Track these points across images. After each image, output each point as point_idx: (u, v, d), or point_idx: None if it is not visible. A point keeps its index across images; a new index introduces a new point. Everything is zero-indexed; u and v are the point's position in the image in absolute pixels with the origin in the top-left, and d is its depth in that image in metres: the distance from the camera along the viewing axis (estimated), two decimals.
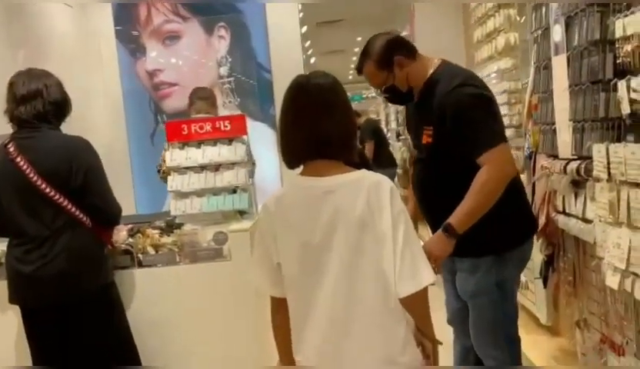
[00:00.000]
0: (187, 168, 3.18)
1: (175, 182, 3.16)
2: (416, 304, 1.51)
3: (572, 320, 2.69)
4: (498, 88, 3.70)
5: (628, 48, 1.96)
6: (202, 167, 3.17)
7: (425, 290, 1.49)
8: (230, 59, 5.32)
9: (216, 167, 3.18)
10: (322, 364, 1.51)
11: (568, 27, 2.35)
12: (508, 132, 3.55)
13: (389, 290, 1.47)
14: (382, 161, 6.95)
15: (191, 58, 5.42)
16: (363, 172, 1.55)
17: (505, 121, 3.57)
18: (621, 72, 2.02)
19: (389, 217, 1.47)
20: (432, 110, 2.06)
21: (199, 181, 3.14)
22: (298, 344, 1.56)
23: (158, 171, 3.66)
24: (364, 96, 18.34)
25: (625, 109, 1.95)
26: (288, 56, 5.24)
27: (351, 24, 9.67)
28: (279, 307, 1.61)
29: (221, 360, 2.83)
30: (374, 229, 1.48)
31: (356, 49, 13.20)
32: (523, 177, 3.29)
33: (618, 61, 2.04)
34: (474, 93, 2.00)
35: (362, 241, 1.48)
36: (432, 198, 2.18)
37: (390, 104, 12.27)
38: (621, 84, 1.97)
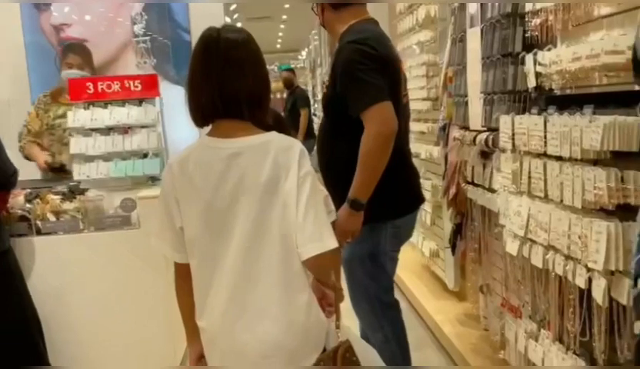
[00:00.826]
0: (92, 130, 2.97)
1: (78, 145, 2.94)
2: (320, 267, 1.49)
3: (477, 285, 2.82)
4: (417, 61, 3.74)
5: (537, 21, 2.01)
6: (110, 130, 2.98)
7: (330, 253, 1.45)
8: (146, 17, 4.99)
9: (125, 130, 3.00)
10: (226, 329, 1.47)
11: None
12: (426, 105, 3.62)
13: (293, 253, 1.44)
14: (310, 132, 6.94)
15: (102, 13, 5.04)
16: (272, 134, 1.49)
17: (423, 93, 3.63)
18: (530, 46, 2.08)
19: (295, 179, 1.43)
20: (332, 64, 2.13)
21: (106, 144, 2.94)
22: (202, 309, 1.50)
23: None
24: (292, 66, 18.17)
25: (531, 82, 2.02)
26: (208, 16, 5.01)
27: None
28: (182, 273, 1.54)
29: (129, 330, 2.74)
30: (280, 192, 1.43)
31: (284, 17, 12.95)
32: (437, 148, 3.38)
33: (527, 35, 2.10)
34: (362, 50, 1.99)
35: (268, 205, 1.44)
36: (324, 151, 2.21)
37: (318, 75, 12.21)
38: (529, 58, 2.03)
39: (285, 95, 8.24)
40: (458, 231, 2.92)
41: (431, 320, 3.29)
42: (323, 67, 10.06)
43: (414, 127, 3.75)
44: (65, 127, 3.13)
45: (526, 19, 2.07)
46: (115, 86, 3.00)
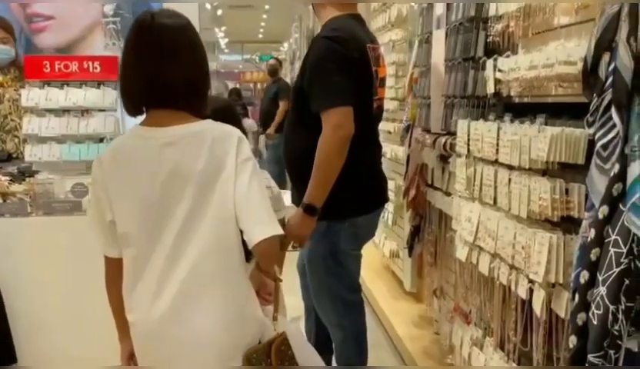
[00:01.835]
0: (46, 110, 2.86)
1: (31, 125, 2.83)
2: (269, 251, 1.42)
3: (431, 288, 2.82)
4: (387, 60, 3.69)
5: (499, 27, 2.00)
6: (65, 111, 2.88)
7: (278, 237, 1.41)
8: None
9: (82, 113, 2.90)
10: (156, 322, 1.40)
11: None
12: (393, 105, 3.60)
13: (231, 243, 1.40)
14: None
15: None
16: (208, 123, 1.43)
17: (391, 93, 3.61)
18: (492, 51, 2.06)
19: (233, 166, 1.37)
20: (305, 56, 2.12)
21: (60, 126, 2.84)
22: (131, 304, 1.45)
23: None
24: (274, 56, 18.07)
25: (490, 88, 2.00)
26: (183, 0, 4.89)
27: None
28: (114, 268, 1.48)
29: (76, 318, 2.66)
30: (218, 181, 1.38)
31: (267, 6, 12.81)
32: (402, 149, 3.36)
33: (489, 40, 2.08)
34: (333, 48, 1.96)
35: (204, 195, 1.38)
36: (289, 142, 2.20)
37: (296, 68, 12.14)
38: (489, 63, 2.01)
39: (264, 86, 8.14)
40: (416, 233, 2.91)
41: (387, 321, 3.28)
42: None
43: (381, 126, 3.73)
44: (7, 113, 3.00)
45: (489, 24, 2.05)
46: (74, 66, 2.90)
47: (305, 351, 1.55)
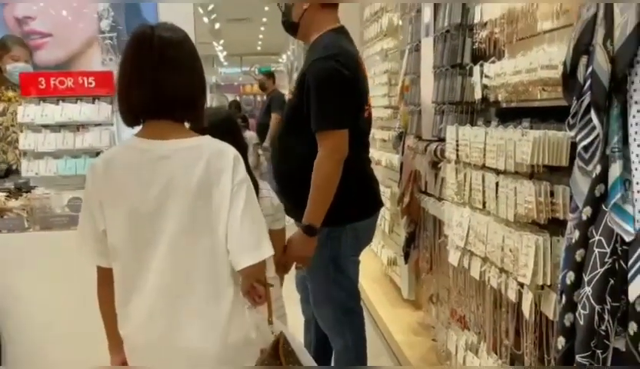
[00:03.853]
0: (43, 126, 2.90)
1: (27, 140, 2.86)
2: (253, 274, 1.46)
3: (428, 295, 2.82)
4: (380, 68, 3.74)
5: (484, 33, 2.02)
6: (61, 127, 2.91)
7: (261, 263, 1.44)
8: (112, 13, 4.90)
9: (77, 128, 2.93)
10: (149, 337, 1.43)
11: (436, 9, 2.39)
12: (387, 113, 3.62)
13: (223, 260, 1.41)
14: None
15: (68, 7, 4.93)
16: (204, 138, 1.45)
17: (385, 101, 3.64)
18: (479, 57, 2.09)
19: (229, 185, 1.39)
20: (300, 72, 2.11)
21: (56, 141, 2.87)
22: (124, 317, 1.46)
23: None
24: (272, 68, 18.15)
25: (477, 94, 2.03)
26: (178, 14, 4.94)
27: None
28: (105, 279, 1.50)
29: (73, 334, 2.66)
30: (212, 198, 1.40)
31: (264, 19, 12.90)
32: (396, 156, 3.38)
33: (475, 47, 2.10)
34: (331, 69, 1.98)
35: (198, 210, 1.40)
36: (282, 157, 2.21)
37: (294, 79, 12.19)
38: (476, 70, 2.04)
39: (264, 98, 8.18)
40: (411, 240, 2.92)
41: (386, 328, 3.27)
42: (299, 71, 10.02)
43: (376, 134, 3.75)
44: (8, 125, 3.04)
45: (474, 31, 2.08)
46: (69, 82, 2.93)
47: (300, 353, 1.58)
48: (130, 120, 1.46)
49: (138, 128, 1.48)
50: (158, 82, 1.40)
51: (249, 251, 1.40)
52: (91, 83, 2.93)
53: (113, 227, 1.43)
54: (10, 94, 3.20)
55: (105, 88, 2.94)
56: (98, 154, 2.94)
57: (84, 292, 2.60)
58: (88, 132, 2.90)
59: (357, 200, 2.14)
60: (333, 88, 1.96)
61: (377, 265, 4.10)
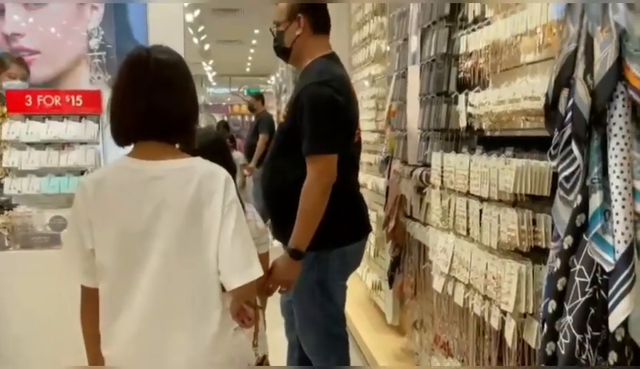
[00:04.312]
0: (28, 144, 2.87)
1: (11, 158, 2.84)
2: (244, 295, 1.46)
3: (412, 320, 2.81)
4: (368, 93, 3.79)
5: (469, 63, 2.07)
6: (46, 144, 2.89)
7: (251, 284, 1.43)
8: (102, 32, 4.91)
9: (62, 146, 2.91)
10: (134, 358, 1.41)
11: (422, 38, 2.44)
12: (374, 137, 3.65)
13: (212, 281, 1.41)
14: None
15: (57, 25, 4.93)
16: (196, 160, 1.46)
17: (372, 125, 3.67)
18: (464, 86, 2.13)
19: (220, 206, 1.40)
20: (293, 97, 2.13)
21: (40, 159, 2.85)
22: (110, 337, 1.44)
23: None
24: (262, 90, 18.25)
25: (462, 122, 2.06)
26: (168, 36, 4.96)
27: (248, 14, 9.51)
28: (90, 298, 1.47)
29: (53, 353, 2.60)
30: (202, 219, 1.40)
31: (254, 41, 13.02)
32: (382, 180, 3.40)
33: (460, 76, 2.15)
34: (325, 94, 2.00)
35: (188, 231, 1.40)
36: (273, 180, 2.20)
37: (283, 101, 12.27)
38: (461, 98, 2.08)
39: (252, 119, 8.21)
40: (396, 264, 2.92)
41: (370, 354, 3.25)
42: (288, 93, 10.11)
43: (363, 157, 3.77)
44: None
45: (460, 61, 2.12)
46: (56, 100, 2.92)
47: None
48: (122, 140, 1.47)
49: (122, 148, 1.48)
50: (153, 103, 1.41)
51: (240, 271, 1.40)
52: (78, 101, 2.93)
53: (102, 246, 1.42)
54: (5, 110, 3.18)
55: (93, 106, 2.94)
56: (82, 172, 2.92)
57: (64, 312, 2.58)
58: (74, 150, 2.88)
59: (346, 223, 2.14)
60: (326, 113, 1.98)
61: (362, 289, 4.09)
